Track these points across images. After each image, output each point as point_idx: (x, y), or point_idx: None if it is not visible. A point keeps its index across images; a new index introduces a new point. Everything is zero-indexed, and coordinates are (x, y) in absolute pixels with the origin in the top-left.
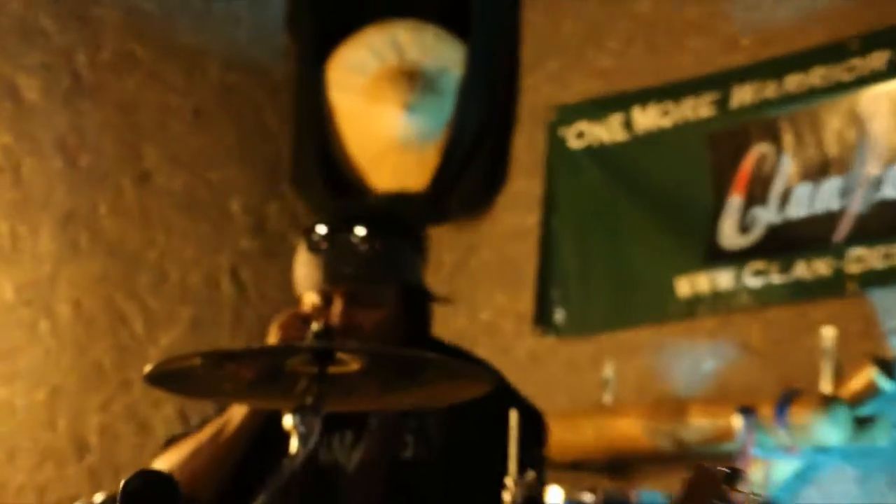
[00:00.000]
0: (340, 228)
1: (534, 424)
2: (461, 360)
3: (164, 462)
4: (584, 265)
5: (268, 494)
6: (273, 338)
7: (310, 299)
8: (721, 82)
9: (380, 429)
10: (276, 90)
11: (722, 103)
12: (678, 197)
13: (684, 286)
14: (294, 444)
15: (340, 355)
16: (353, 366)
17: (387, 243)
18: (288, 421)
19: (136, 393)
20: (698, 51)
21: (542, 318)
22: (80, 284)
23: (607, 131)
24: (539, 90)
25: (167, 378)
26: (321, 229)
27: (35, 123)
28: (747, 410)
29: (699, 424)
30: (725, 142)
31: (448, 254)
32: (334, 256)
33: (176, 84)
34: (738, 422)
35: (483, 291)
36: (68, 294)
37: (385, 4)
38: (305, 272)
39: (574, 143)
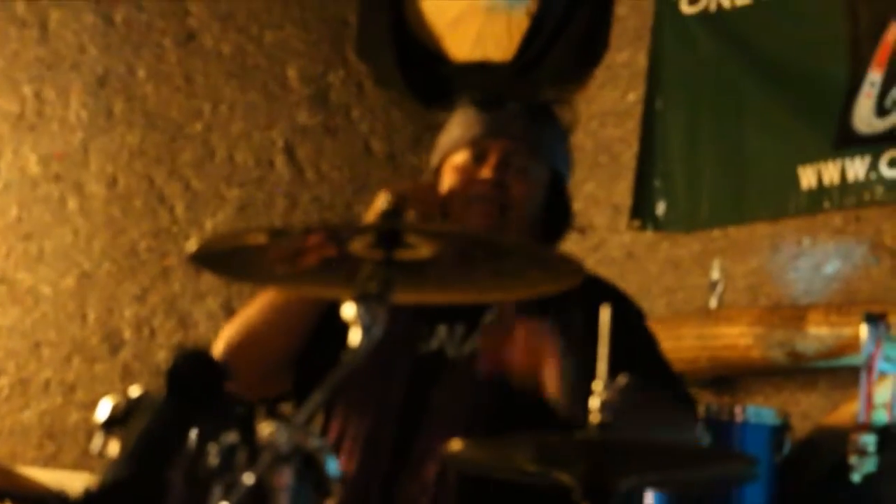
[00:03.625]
0: (501, 101)
1: (630, 306)
2: (545, 248)
3: (248, 312)
4: (692, 150)
5: (331, 387)
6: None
7: (459, 159)
8: None
9: (497, 321)
10: None
11: None
12: (807, 72)
13: (809, 176)
14: (355, 336)
15: (411, 239)
16: (424, 251)
17: (545, 124)
18: (349, 310)
19: (175, 283)
20: None
21: (642, 210)
22: (114, 158)
23: None
24: None
25: (214, 259)
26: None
27: None
28: (875, 318)
29: (819, 334)
30: (866, 7)
31: None
32: (499, 115)
33: None
34: (863, 331)
35: (573, 180)
36: (101, 169)
37: None
38: (462, 130)
39: (686, 8)
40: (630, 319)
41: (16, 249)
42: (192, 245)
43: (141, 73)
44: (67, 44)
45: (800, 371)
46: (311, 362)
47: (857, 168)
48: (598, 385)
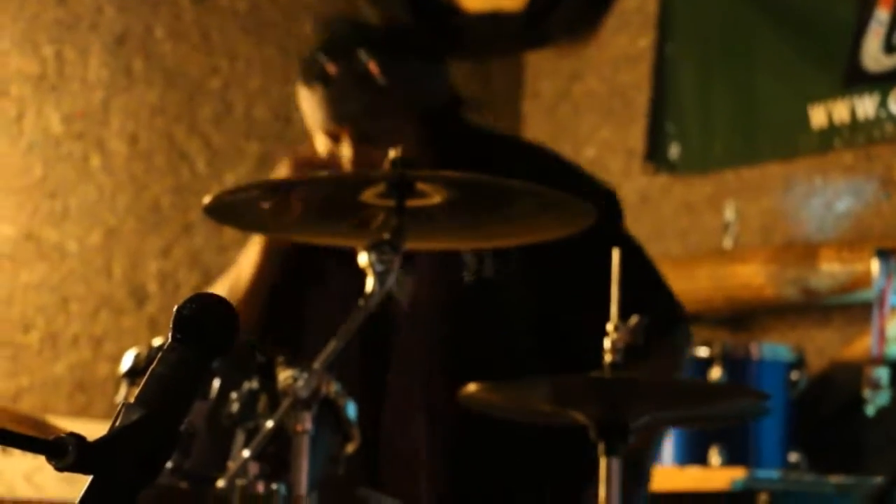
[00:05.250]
0: (341, 55)
1: (606, 202)
2: (554, 192)
3: None
4: (703, 93)
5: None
6: (284, 171)
7: (321, 139)
8: None
9: (432, 254)
10: None
11: None
12: (814, 11)
13: (819, 115)
14: (370, 283)
15: (422, 186)
16: (436, 198)
17: (395, 68)
18: (363, 258)
19: (198, 237)
20: None
21: (655, 154)
22: (135, 116)
23: None
24: None
25: (230, 212)
26: (320, 57)
27: None
28: (887, 254)
29: (831, 270)
30: None
31: (548, 82)
32: (336, 90)
33: None
34: (875, 267)
35: (587, 124)
36: (122, 126)
37: None
38: (308, 109)
39: None
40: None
41: (42, 207)
42: (206, 200)
43: (158, 31)
44: (85, 5)
45: (813, 307)
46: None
47: (866, 106)
48: (610, 326)
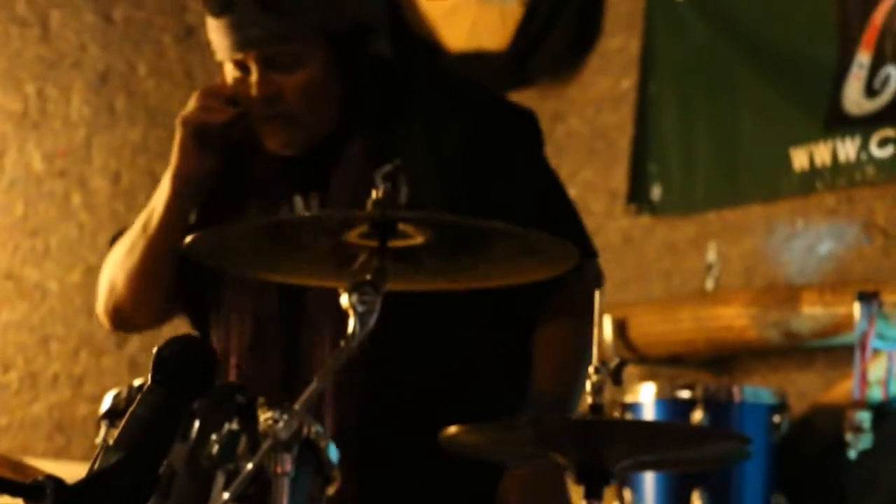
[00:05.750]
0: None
1: (523, 124)
2: (536, 234)
3: (109, 268)
4: (685, 134)
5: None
6: (189, 108)
7: (230, 72)
8: None
9: (342, 179)
10: None
11: None
12: (796, 54)
13: (801, 157)
14: (352, 324)
15: (404, 227)
16: (418, 238)
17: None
18: (344, 300)
19: None
20: None
21: (638, 195)
22: (117, 153)
23: None
24: None
25: (209, 251)
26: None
27: None
28: (868, 297)
29: (813, 313)
30: None
31: None
32: (238, 17)
33: None
34: (857, 310)
35: (570, 165)
36: (104, 164)
37: None
38: (215, 40)
39: None
40: (498, 142)
41: (22, 246)
42: (187, 238)
43: (141, 69)
44: (68, 42)
45: (796, 350)
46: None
47: (847, 149)
48: (591, 368)
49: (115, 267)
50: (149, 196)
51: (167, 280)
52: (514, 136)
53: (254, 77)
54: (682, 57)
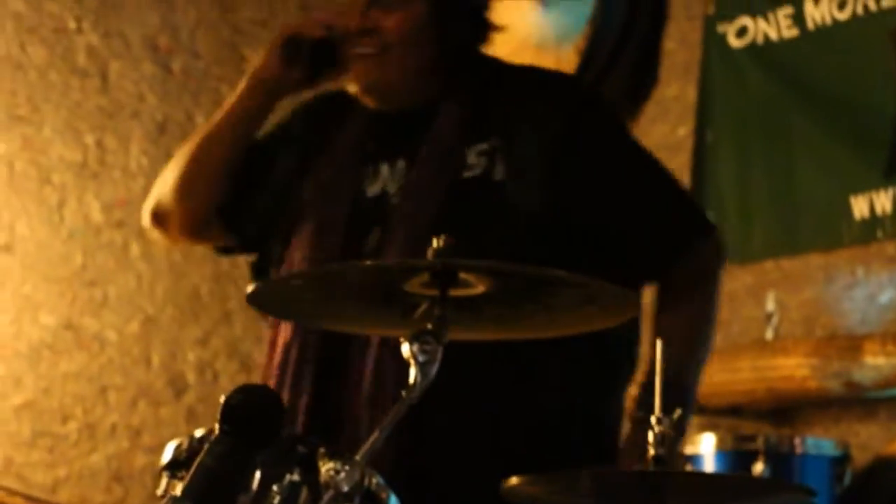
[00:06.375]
0: None
1: (616, 112)
2: (598, 282)
3: (169, 171)
4: (743, 182)
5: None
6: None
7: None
8: None
9: (432, 149)
10: None
11: None
12: (856, 103)
13: (861, 206)
14: (413, 374)
15: (465, 276)
16: (479, 287)
17: None
18: (405, 349)
19: (237, 326)
20: None
21: None
22: None
23: (774, 27)
24: None
25: (271, 301)
26: None
27: (124, 20)
28: None
29: (875, 363)
30: None
31: None
32: None
33: None
34: None
35: None
36: None
37: None
38: None
39: (735, 42)
40: (601, 127)
41: (81, 296)
42: (249, 289)
43: (199, 119)
44: (127, 93)
45: (858, 401)
46: (243, 211)
47: None
48: (654, 418)
49: (172, 160)
50: (207, 248)
51: (216, 177)
52: (613, 123)
53: (355, 7)
54: (739, 105)
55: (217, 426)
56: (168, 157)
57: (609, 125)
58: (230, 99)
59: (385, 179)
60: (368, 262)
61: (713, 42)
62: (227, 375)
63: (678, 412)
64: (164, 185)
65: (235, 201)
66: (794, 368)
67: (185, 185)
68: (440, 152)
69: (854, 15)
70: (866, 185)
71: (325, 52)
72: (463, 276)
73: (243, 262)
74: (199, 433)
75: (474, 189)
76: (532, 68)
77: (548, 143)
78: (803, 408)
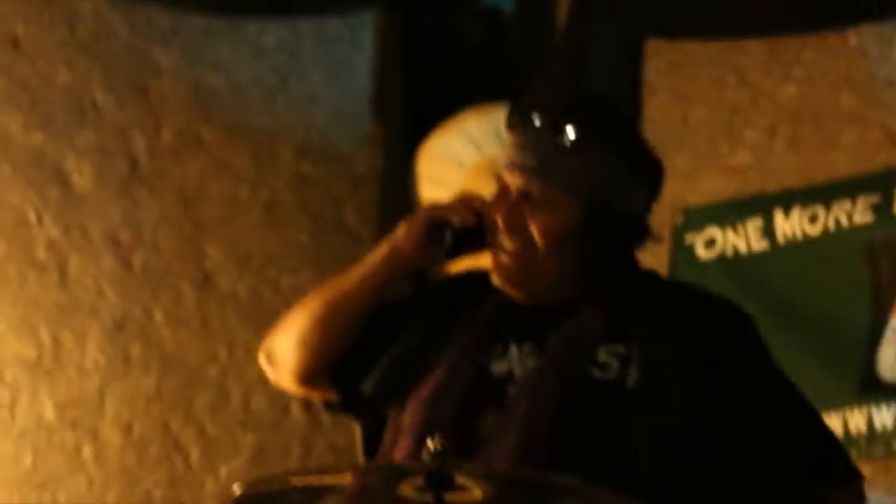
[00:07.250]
0: (527, 115)
1: (758, 332)
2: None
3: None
4: None
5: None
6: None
7: (492, 187)
8: (881, 183)
9: (563, 340)
10: (357, 182)
11: (883, 208)
12: (828, 318)
13: (835, 424)
14: None
15: (462, 480)
16: (476, 492)
17: (583, 145)
18: None
19: None
20: (854, 146)
21: None
22: (130, 404)
23: (743, 239)
24: (663, 189)
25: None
26: (529, 107)
27: (85, 214)
28: None
29: None
30: (887, 253)
31: None
32: (523, 137)
33: (245, 173)
34: None
35: None
36: (117, 415)
37: (485, 86)
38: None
39: (703, 253)
40: (746, 351)
41: (29, 499)
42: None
43: (158, 316)
44: (86, 288)
45: None
46: (353, 370)
47: (884, 416)
48: None
49: (298, 307)
50: (161, 449)
51: (340, 334)
52: (754, 346)
53: (508, 201)
54: None
55: None
56: (125, 356)
57: (755, 349)
58: (365, 259)
59: (513, 360)
60: (363, 467)
61: (681, 252)
62: None
63: None
64: (287, 330)
65: (346, 360)
66: None
67: (308, 336)
68: (571, 341)
69: (825, 230)
70: (840, 403)
71: (469, 236)
72: (459, 480)
73: (198, 465)
74: None
75: (604, 392)
76: (685, 286)
77: (690, 358)
78: None
